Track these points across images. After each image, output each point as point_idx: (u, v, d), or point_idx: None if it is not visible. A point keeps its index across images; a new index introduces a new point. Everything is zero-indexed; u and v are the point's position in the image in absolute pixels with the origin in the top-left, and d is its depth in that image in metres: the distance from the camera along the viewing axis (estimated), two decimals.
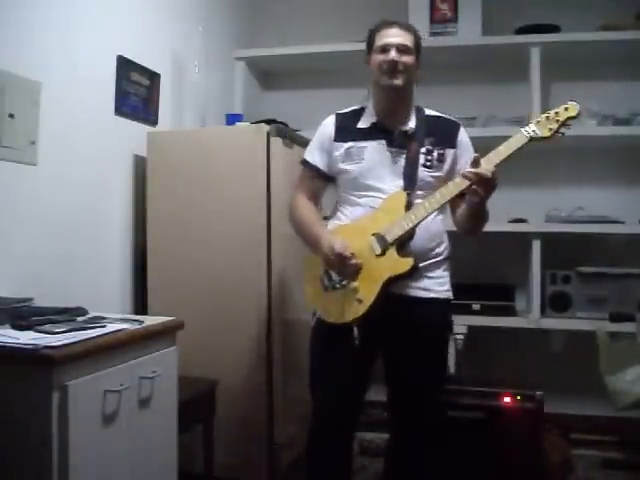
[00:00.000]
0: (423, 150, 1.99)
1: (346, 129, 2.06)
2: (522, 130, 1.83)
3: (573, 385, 3.20)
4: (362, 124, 2.05)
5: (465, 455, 2.53)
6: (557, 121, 1.79)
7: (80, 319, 1.85)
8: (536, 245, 3.17)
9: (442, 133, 2.03)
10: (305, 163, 2.15)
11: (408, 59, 1.96)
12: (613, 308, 3.02)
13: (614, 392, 2.56)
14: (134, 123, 2.75)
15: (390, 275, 1.87)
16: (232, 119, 2.96)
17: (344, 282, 1.91)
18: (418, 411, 2.03)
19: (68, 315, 1.85)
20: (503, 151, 1.81)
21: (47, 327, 1.69)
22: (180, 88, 3.10)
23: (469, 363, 3.19)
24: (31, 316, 1.76)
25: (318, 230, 2.01)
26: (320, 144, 2.10)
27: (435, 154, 2.00)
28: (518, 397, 2.60)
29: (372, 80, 2.04)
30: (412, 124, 2.02)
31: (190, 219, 2.66)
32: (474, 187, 1.79)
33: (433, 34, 3.38)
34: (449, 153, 2.02)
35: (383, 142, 2.00)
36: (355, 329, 1.88)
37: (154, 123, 2.90)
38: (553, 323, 3.18)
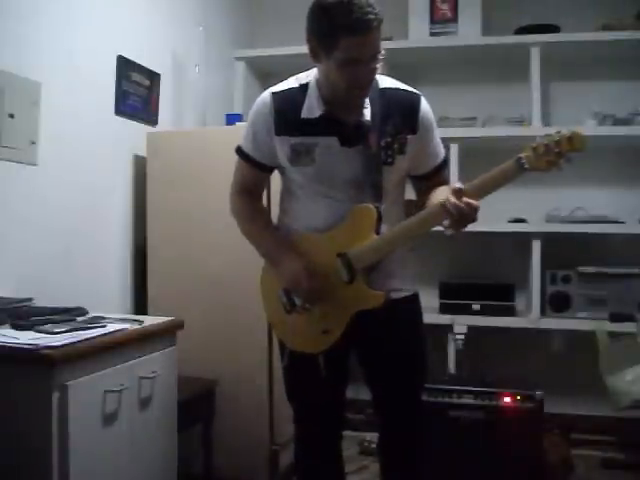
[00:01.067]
0: (382, 144, 1.68)
1: (288, 119, 1.69)
2: (517, 159, 1.54)
3: (573, 385, 3.20)
4: (307, 113, 1.67)
5: (465, 455, 2.53)
6: (557, 153, 1.50)
7: (80, 319, 1.85)
8: (536, 245, 3.17)
9: (401, 115, 1.70)
10: (241, 153, 1.80)
11: (380, 61, 1.60)
12: (613, 308, 3.02)
13: (614, 392, 2.56)
14: (134, 123, 2.75)
15: (359, 309, 1.71)
16: (232, 119, 2.96)
17: (307, 305, 1.73)
18: (399, 410, 1.91)
19: (68, 315, 1.85)
20: (492, 183, 1.56)
21: (47, 327, 1.69)
22: (180, 88, 3.10)
23: (469, 363, 3.19)
24: (31, 316, 1.77)
25: (277, 245, 1.79)
26: (257, 133, 1.74)
27: (396, 146, 1.69)
28: (518, 397, 2.60)
29: (323, 74, 1.64)
30: (367, 112, 1.67)
31: (190, 219, 2.66)
32: (452, 220, 1.56)
33: (433, 34, 3.39)
34: (411, 140, 1.71)
35: (335, 138, 1.67)
36: (321, 358, 1.76)
37: (154, 123, 2.90)
38: (553, 323, 3.18)
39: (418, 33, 3.40)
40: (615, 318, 2.82)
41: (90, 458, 1.63)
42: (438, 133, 1.81)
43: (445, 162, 1.85)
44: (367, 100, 1.67)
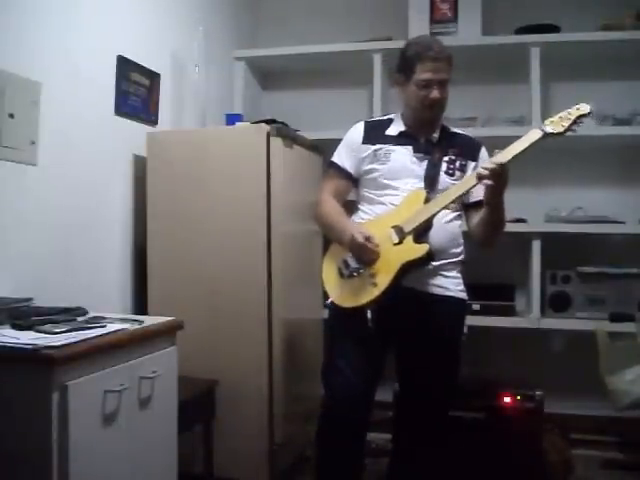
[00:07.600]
0: (446, 158, 2.08)
1: (375, 134, 2.14)
2: (536, 127, 1.91)
3: (573, 385, 3.20)
4: (390, 131, 2.14)
5: (465, 455, 2.53)
6: (569, 119, 1.88)
7: (80, 319, 1.85)
8: (536, 245, 3.17)
9: (465, 147, 2.13)
10: (332, 165, 2.22)
11: (447, 90, 2.04)
12: (613, 308, 3.02)
13: (614, 392, 2.56)
14: (134, 123, 2.75)
15: (405, 260, 1.92)
16: (232, 119, 2.96)
17: (361, 270, 1.96)
18: (426, 410, 2.06)
19: (68, 315, 1.85)
20: (517, 146, 1.89)
21: (47, 327, 1.69)
22: (180, 88, 3.10)
23: (469, 363, 3.19)
24: (31, 316, 1.76)
25: (344, 221, 2.09)
26: (348, 147, 2.18)
27: (457, 164, 2.09)
28: (518, 397, 2.61)
29: (405, 101, 2.11)
30: (436, 136, 2.11)
31: (190, 219, 2.66)
32: (488, 180, 1.86)
33: (433, 34, 3.38)
34: (470, 165, 2.10)
35: (409, 147, 2.08)
36: (369, 312, 1.94)
37: (154, 123, 2.90)
38: (553, 323, 3.18)
39: (418, 33, 3.35)
40: (615, 318, 2.82)
41: (90, 458, 1.63)
42: None
43: None
44: (438, 130, 2.12)
